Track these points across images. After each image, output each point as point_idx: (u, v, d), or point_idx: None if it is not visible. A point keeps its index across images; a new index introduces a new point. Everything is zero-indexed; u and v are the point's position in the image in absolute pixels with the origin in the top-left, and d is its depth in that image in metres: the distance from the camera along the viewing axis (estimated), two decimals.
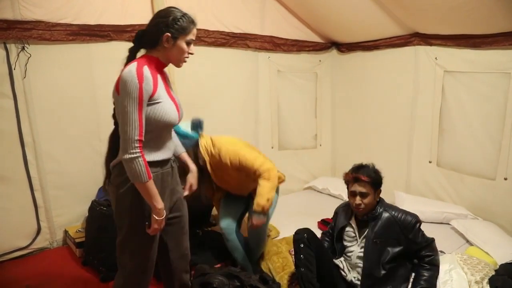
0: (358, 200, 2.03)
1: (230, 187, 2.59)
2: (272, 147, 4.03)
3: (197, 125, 2.35)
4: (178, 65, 1.64)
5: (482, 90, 3.01)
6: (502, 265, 2.27)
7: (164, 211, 1.59)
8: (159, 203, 1.56)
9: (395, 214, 2.04)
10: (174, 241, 1.83)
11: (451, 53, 3.15)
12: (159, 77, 1.60)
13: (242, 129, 3.82)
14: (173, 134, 1.89)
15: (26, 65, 2.72)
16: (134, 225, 1.62)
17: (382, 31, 3.56)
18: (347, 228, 2.16)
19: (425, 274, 2.00)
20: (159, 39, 1.54)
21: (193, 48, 1.62)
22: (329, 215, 2.58)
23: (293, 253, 2.35)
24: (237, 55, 3.64)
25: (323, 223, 3.17)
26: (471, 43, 2.98)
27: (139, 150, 1.46)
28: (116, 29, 3.00)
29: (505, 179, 2.93)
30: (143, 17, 3.09)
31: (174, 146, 1.80)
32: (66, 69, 2.90)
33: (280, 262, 2.49)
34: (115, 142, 1.60)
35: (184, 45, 1.57)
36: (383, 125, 3.82)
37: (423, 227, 2.98)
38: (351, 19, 3.59)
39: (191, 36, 1.58)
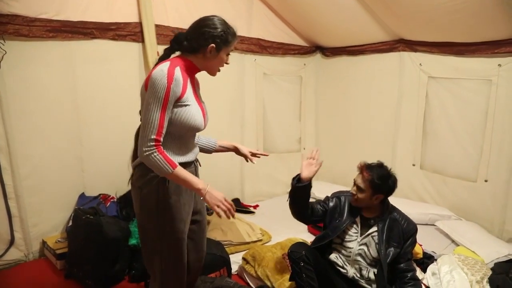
0: (354, 190, 2.07)
1: None
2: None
3: None
4: (213, 74, 1.65)
5: (464, 95, 3.13)
6: (497, 264, 2.37)
7: (208, 187, 1.49)
8: (197, 183, 1.48)
9: (399, 218, 2.07)
10: (193, 243, 1.78)
11: (435, 60, 3.26)
12: (189, 80, 1.57)
13: (228, 132, 3.76)
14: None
15: (0, 62, 2.50)
16: (162, 228, 1.57)
17: (368, 37, 3.62)
18: (351, 224, 2.13)
19: None
20: (203, 49, 1.54)
21: (229, 58, 1.64)
22: None
23: (286, 257, 2.32)
24: None
25: (313, 226, 3.16)
26: (455, 51, 3.10)
27: (154, 148, 1.43)
28: (100, 26, 2.85)
29: (486, 181, 3.07)
30: (129, 15, 2.99)
31: (198, 150, 1.77)
32: (45, 67, 2.71)
33: (278, 268, 2.45)
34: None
35: (224, 57, 1.60)
36: (367, 129, 3.89)
37: None
38: (337, 24, 3.63)
39: (232, 48, 1.61)
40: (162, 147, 1.45)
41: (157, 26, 3.08)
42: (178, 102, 1.49)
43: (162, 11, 3.13)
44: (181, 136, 1.57)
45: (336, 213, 2.16)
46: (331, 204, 2.21)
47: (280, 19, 3.86)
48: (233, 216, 1.51)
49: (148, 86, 1.45)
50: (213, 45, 1.53)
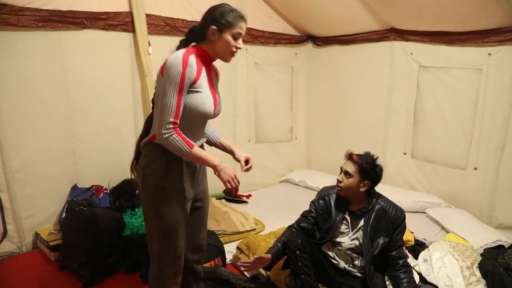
0: (340, 176, 2.07)
1: None
2: (249, 141, 4.00)
3: None
4: (225, 58, 1.65)
5: (455, 85, 3.16)
6: (486, 250, 2.42)
7: (222, 164, 1.60)
8: (213, 160, 1.59)
9: (386, 207, 2.08)
10: (190, 231, 1.82)
11: (426, 49, 3.28)
12: (204, 69, 1.62)
13: (220, 122, 3.68)
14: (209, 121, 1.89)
15: None
16: (159, 208, 1.63)
17: (359, 26, 3.62)
18: (341, 221, 2.17)
19: (405, 276, 2.01)
20: (207, 33, 1.58)
21: (241, 42, 1.63)
22: None
23: None
24: None
25: None
26: (446, 40, 3.12)
27: (172, 130, 1.50)
28: (90, 16, 2.81)
29: (475, 169, 3.12)
30: (119, 4, 2.96)
31: (205, 138, 1.80)
32: (35, 58, 2.67)
33: None
34: (149, 125, 1.68)
35: (229, 38, 1.58)
36: (359, 118, 3.91)
37: None
38: (328, 13, 3.62)
39: (238, 30, 1.59)
40: (179, 129, 1.51)
41: (148, 15, 3.04)
42: (191, 87, 1.53)
43: (153, 0, 3.09)
44: (189, 122, 1.59)
45: (325, 214, 2.18)
46: (318, 207, 2.21)
47: (271, 8, 3.84)
48: (236, 192, 1.66)
49: (164, 72, 1.51)
50: (213, 26, 1.55)
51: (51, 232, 2.75)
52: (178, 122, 1.51)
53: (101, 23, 2.87)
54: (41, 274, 2.50)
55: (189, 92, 1.54)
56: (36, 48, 2.66)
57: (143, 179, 1.64)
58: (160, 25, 3.15)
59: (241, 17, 1.60)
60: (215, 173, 1.61)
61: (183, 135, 1.52)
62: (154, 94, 1.65)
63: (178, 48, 1.64)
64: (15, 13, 2.48)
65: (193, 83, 1.53)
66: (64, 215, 2.69)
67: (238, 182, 1.63)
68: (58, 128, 2.85)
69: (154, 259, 1.72)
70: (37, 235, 2.80)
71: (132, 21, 2.99)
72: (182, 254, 1.73)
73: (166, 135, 1.49)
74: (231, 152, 1.88)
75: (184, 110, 1.54)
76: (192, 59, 1.52)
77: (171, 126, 1.49)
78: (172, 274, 1.71)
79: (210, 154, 1.60)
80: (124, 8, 2.96)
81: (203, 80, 1.59)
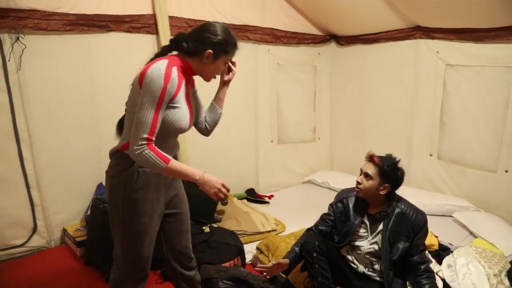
0: (360, 178, 2.03)
1: None
2: (272, 141, 4.00)
3: None
4: (207, 80, 1.64)
5: (484, 83, 3.04)
6: None
7: (205, 176, 1.50)
8: (194, 175, 1.49)
9: (406, 210, 2.02)
10: (169, 240, 1.77)
11: (453, 47, 3.17)
12: (184, 81, 1.56)
13: (242, 123, 3.78)
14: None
15: (21, 56, 2.58)
16: (125, 219, 1.58)
17: (383, 24, 3.55)
18: (360, 225, 2.12)
19: (427, 282, 1.95)
20: (200, 53, 1.54)
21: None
22: None
23: None
24: None
25: None
26: (473, 37, 3.00)
27: (145, 145, 1.42)
28: (115, 19, 2.89)
29: (506, 171, 2.99)
30: (143, 7, 3.03)
31: (178, 148, 1.74)
32: (63, 61, 2.78)
33: None
34: (121, 129, 1.63)
35: (221, 65, 1.60)
36: (383, 119, 3.83)
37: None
38: (352, 12, 3.57)
39: (230, 57, 1.62)
40: (153, 144, 1.44)
41: (170, 17, 3.10)
42: (170, 102, 1.47)
43: (175, 2, 3.15)
44: (164, 135, 1.53)
45: (344, 217, 2.14)
46: (337, 210, 2.18)
47: (293, 8, 3.82)
48: (226, 198, 1.54)
49: (143, 84, 1.42)
50: (210, 51, 1.52)
51: (78, 229, 2.85)
52: (154, 138, 1.43)
53: (126, 25, 2.95)
54: (68, 269, 2.60)
55: (167, 107, 1.47)
56: (64, 51, 2.77)
57: (110, 189, 1.59)
58: (183, 27, 3.19)
59: (236, 46, 1.59)
60: (199, 188, 1.52)
61: (157, 149, 1.44)
62: (128, 98, 1.56)
63: (158, 54, 1.57)
64: (45, 18, 2.60)
65: (172, 99, 1.46)
66: (89, 212, 2.78)
67: (228, 190, 1.52)
68: (84, 127, 2.95)
69: (116, 263, 1.68)
70: (64, 231, 2.91)
71: (156, 24, 3.05)
72: (146, 267, 1.68)
73: (138, 151, 1.40)
74: (220, 95, 1.82)
75: (160, 125, 1.47)
76: (175, 73, 1.45)
77: (144, 142, 1.41)
78: (133, 281, 1.66)
79: (190, 167, 1.52)
80: (148, 10, 3.03)
81: (182, 94, 1.53)
